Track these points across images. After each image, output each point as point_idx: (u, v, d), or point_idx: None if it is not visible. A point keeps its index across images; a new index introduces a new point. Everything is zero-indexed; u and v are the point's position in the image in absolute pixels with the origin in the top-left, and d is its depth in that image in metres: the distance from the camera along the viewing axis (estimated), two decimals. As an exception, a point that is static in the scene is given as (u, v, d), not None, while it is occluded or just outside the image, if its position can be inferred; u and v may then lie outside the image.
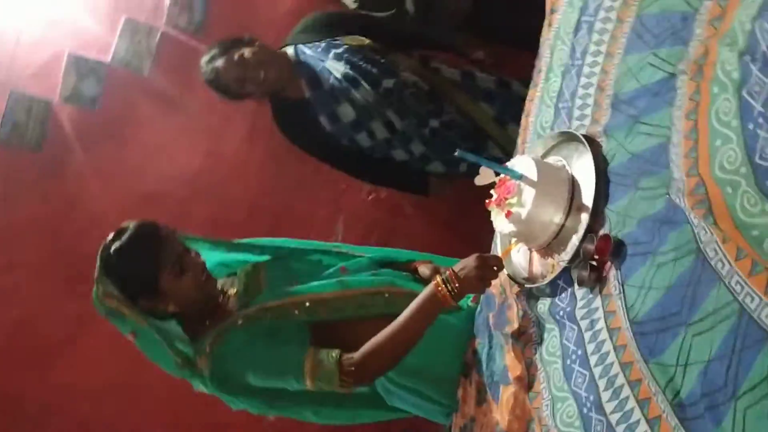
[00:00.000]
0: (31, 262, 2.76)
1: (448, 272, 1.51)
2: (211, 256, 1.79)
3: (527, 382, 1.42)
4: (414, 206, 3.08)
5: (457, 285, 1.50)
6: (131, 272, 1.59)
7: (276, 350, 1.60)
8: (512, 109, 2.16)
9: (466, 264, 1.51)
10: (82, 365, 2.78)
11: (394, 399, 1.75)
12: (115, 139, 2.85)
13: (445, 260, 1.88)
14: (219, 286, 1.74)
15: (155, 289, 1.60)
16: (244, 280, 1.73)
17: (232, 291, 1.73)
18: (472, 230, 1.82)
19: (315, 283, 1.71)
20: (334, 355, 1.55)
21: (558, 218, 1.39)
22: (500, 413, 1.49)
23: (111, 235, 1.62)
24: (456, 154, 1.44)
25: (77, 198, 2.81)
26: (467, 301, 1.74)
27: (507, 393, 1.48)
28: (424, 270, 1.85)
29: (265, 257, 1.81)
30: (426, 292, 1.54)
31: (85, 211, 2.80)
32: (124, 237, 1.59)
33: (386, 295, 1.70)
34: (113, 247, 1.59)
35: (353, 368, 1.54)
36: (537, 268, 1.48)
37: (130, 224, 1.62)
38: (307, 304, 1.64)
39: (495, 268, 1.50)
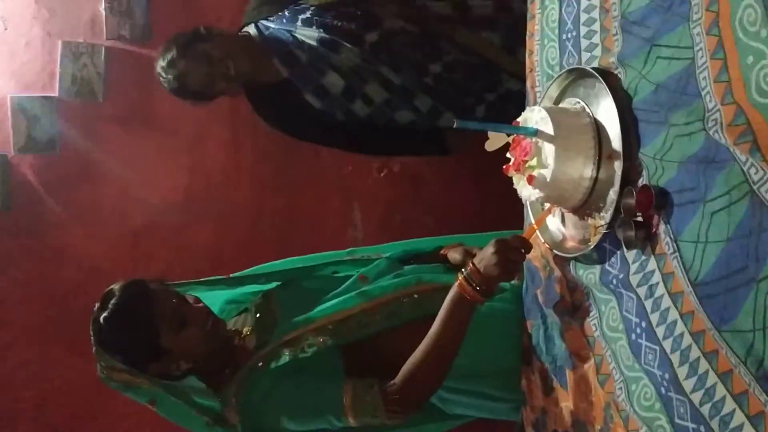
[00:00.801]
0: (28, 326, 2.80)
1: (469, 267, 1.49)
2: (214, 297, 1.80)
3: (594, 364, 1.40)
4: (434, 172, 3.05)
5: (480, 279, 1.47)
6: (128, 341, 1.60)
7: (308, 389, 1.59)
8: (518, 32, 2.10)
9: (484, 254, 1.48)
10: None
11: (453, 407, 1.74)
12: (87, 179, 2.85)
13: (478, 239, 1.85)
14: (231, 326, 1.75)
15: (159, 351, 1.61)
16: (257, 315, 1.73)
17: (247, 329, 1.72)
18: (505, 187, 1.78)
19: (333, 301, 1.70)
20: (375, 386, 1.55)
21: (588, 172, 1.35)
22: (572, 401, 1.48)
23: (97, 304, 1.63)
24: (455, 125, 1.40)
25: (63, 252, 2.84)
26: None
27: (575, 378, 1.47)
28: (454, 256, 1.83)
29: (274, 284, 1.81)
30: (452, 294, 1.52)
31: (74, 264, 2.83)
32: (111, 304, 1.60)
33: (415, 296, 1.69)
34: (102, 318, 1.61)
35: (398, 396, 1.54)
36: (578, 232, 1.44)
37: (115, 288, 1.63)
38: (330, 327, 1.64)
39: (521, 249, 1.47)
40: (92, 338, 1.62)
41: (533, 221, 1.53)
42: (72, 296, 2.75)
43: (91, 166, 2.84)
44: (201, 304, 1.67)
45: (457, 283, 1.51)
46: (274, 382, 1.59)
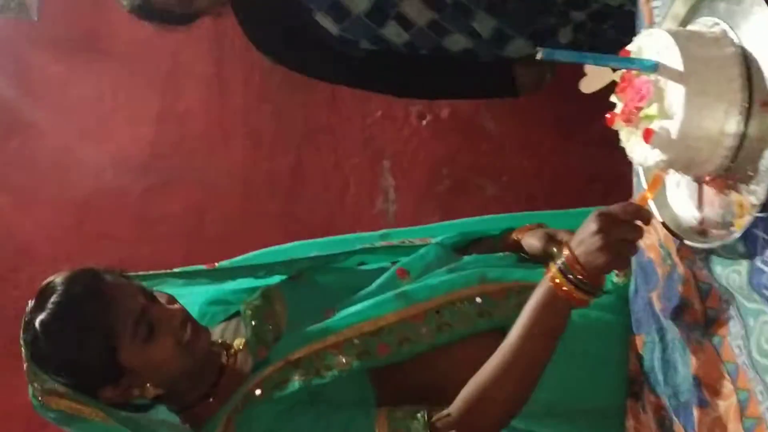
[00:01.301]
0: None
1: (564, 254, 1.46)
2: (193, 295, 1.80)
3: (738, 402, 1.36)
4: (498, 121, 3.05)
5: (582, 270, 1.44)
6: (75, 355, 1.59)
7: (327, 422, 1.59)
8: None
9: (584, 234, 1.44)
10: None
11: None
12: (17, 129, 2.87)
13: (564, 217, 1.86)
14: (216, 336, 1.75)
15: (118, 370, 1.60)
16: (253, 322, 1.72)
17: (239, 342, 1.72)
18: (604, 144, 1.73)
19: (361, 305, 1.69)
20: (419, 417, 1.55)
21: (733, 125, 1.31)
22: None
23: (31, 303, 1.62)
24: (538, 56, 1.35)
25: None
26: (610, 277, 1.70)
27: (706, 421, 1.44)
28: (531, 242, 1.81)
29: (277, 278, 1.81)
30: (540, 292, 1.49)
31: (6, 255, 2.84)
32: (52, 304, 1.59)
33: (477, 300, 1.68)
34: (38, 322, 1.59)
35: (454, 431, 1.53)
36: (715, 211, 1.40)
37: (56, 280, 1.62)
38: (356, 341, 1.64)
39: (636, 223, 1.44)
40: (23, 350, 1.61)
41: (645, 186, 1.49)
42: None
43: (23, 111, 2.86)
44: (176, 305, 1.66)
45: (547, 277, 1.48)
46: (279, 418, 1.59)
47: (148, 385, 1.62)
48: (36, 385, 1.60)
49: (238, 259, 1.88)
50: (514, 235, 1.86)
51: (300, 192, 3.04)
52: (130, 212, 2.93)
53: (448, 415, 1.53)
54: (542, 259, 1.71)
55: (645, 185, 1.56)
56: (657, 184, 1.48)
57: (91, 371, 1.60)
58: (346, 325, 1.65)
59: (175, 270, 1.82)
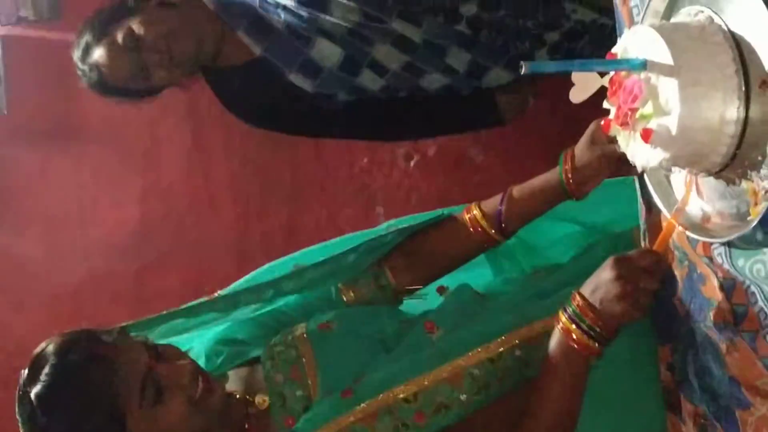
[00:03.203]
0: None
1: (575, 301, 1.44)
2: (196, 340, 1.73)
3: None
4: (485, 151, 3.06)
5: (596, 319, 1.43)
6: (77, 428, 1.48)
7: None
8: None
9: (599, 279, 1.43)
10: None
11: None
12: (2, 231, 2.87)
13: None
14: (233, 387, 1.65)
15: None
16: (274, 379, 1.62)
17: (261, 400, 1.61)
18: None
19: (390, 367, 1.58)
20: None
21: (733, 111, 1.28)
22: None
23: (24, 374, 1.52)
24: (522, 71, 1.33)
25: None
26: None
27: (752, 423, 1.41)
28: (585, 155, 1.67)
29: (289, 299, 1.76)
30: (552, 345, 1.47)
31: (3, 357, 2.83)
32: (44, 375, 1.49)
33: (517, 353, 1.58)
34: (34, 396, 1.49)
35: None
36: (728, 204, 1.38)
37: (48, 348, 1.52)
38: (390, 410, 1.52)
39: (654, 271, 1.42)
40: (20, 426, 1.51)
41: (663, 208, 1.46)
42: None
43: (4, 207, 2.87)
44: (185, 360, 1.56)
45: (558, 327, 1.45)
46: None
47: None
48: None
49: (239, 282, 1.81)
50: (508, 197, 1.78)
51: (296, 249, 3.01)
52: (126, 294, 2.91)
53: None
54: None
55: (659, 202, 1.51)
56: (668, 236, 1.46)
57: None
58: (377, 394, 1.54)
59: (171, 310, 1.72)
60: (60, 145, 2.89)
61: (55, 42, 2.80)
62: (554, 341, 1.47)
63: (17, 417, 1.53)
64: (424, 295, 1.84)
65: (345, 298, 1.80)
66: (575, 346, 1.44)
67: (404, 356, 1.60)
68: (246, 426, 1.60)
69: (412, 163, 3.06)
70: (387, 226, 1.89)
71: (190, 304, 1.74)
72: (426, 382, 1.54)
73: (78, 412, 1.48)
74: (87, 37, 2.33)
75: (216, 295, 1.76)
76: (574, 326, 1.43)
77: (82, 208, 2.92)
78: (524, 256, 1.91)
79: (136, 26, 2.29)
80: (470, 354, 1.57)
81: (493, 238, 1.77)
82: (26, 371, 1.52)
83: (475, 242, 1.78)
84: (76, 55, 2.35)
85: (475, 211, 1.78)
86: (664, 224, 1.48)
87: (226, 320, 1.75)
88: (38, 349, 1.53)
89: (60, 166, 2.89)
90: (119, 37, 2.29)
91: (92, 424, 1.48)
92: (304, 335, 1.66)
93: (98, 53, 2.31)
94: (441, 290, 1.77)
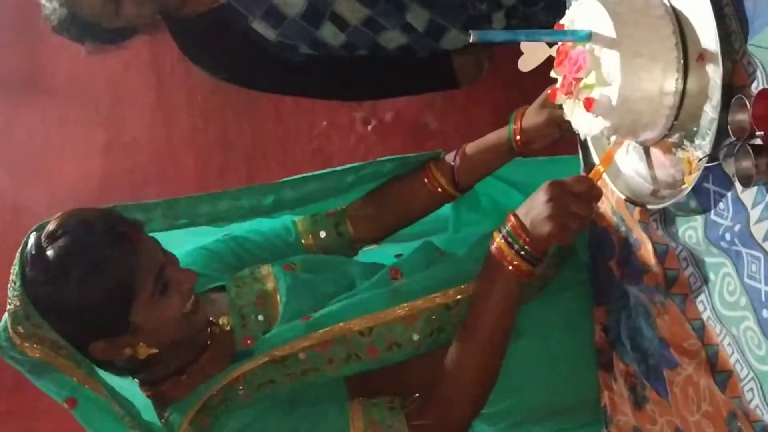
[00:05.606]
0: None
1: (508, 222, 1.43)
2: (177, 240, 1.67)
3: (707, 358, 1.35)
4: (441, 117, 3.04)
5: (527, 240, 1.41)
6: (87, 301, 1.43)
7: (300, 421, 1.52)
8: None
9: (533, 201, 1.42)
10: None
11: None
12: None
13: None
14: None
15: (123, 324, 1.46)
16: (238, 304, 1.62)
17: (224, 321, 1.61)
18: None
19: (350, 300, 1.59)
20: (394, 406, 1.51)
21: (671, 83, 1.30)
22: (677, 414, 1.45)
23: (36, 236, 1.45)
24: (471, 39, 1.34)
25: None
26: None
27: (678, 381, 1.43)
28: (534, 122, 1.69)
29: (292, 216, 1.78)
30: (486, 266, 1.48)
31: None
32: (66, 240, 1.42)
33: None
34: (52, 256, 1.42)
35: (431, 420, 1.49)
36: (664, 171, 1.39)
37: (73, 214, 1.46)
38: (344, 340, 1.54)
39: (587, 197, 1.41)
40: (18, 287, 1.41)
41: (597, 162, 1.47)
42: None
43: None
44: (190, 271, 1.53)
45: (493, 247, 1.45)
46: (257, 419, 1.51)
47: (142, 344, 1.48)
48: (21, 328, 1.42)
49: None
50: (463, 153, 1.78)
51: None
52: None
53: (421, 401, 1.50)
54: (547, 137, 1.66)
55: (595, 158, 1.56)
56: (609, 159, 1.46)
57: (97, 322, 1.45)
58: (334, 322, 1.54)
59: (168, 198, 1.69)
60: (26, 99, 2.87)
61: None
62: (488, 262, 1.47)
63: (14, 278, 1.43)
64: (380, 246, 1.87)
65: (304, 242, 1.80)
66: (508, 266, 1.43)
67: (365, 293, 1.61)
68: (208, 343, 1.59)
69: (369, 128, 3.05)
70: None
71: (194, 195, 1.74)
72: (382, 318, 1.55)
73: (95, 285, 1.43)
74: None
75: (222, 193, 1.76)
76: (506, 245, 1.43)
77: (46, 160, 2.90)
78: (488, 216, 1.91)
79: None
80: (428, 297, 1.57)
81: (449, 192, 1.77)
82: (33, 237, 1.45)
83: (432, 196, 1.79)
84: None
85: (432, 166, 1.79)
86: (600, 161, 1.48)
87: (222, 226, 1.76)
88: (59, 216, 1.47)
89: (25, 120, 2.87)
90: None
91: (103, 300, 1.43)
92: (270, 273, 1.67)
93: None
94: (394, 273, 1.71)
